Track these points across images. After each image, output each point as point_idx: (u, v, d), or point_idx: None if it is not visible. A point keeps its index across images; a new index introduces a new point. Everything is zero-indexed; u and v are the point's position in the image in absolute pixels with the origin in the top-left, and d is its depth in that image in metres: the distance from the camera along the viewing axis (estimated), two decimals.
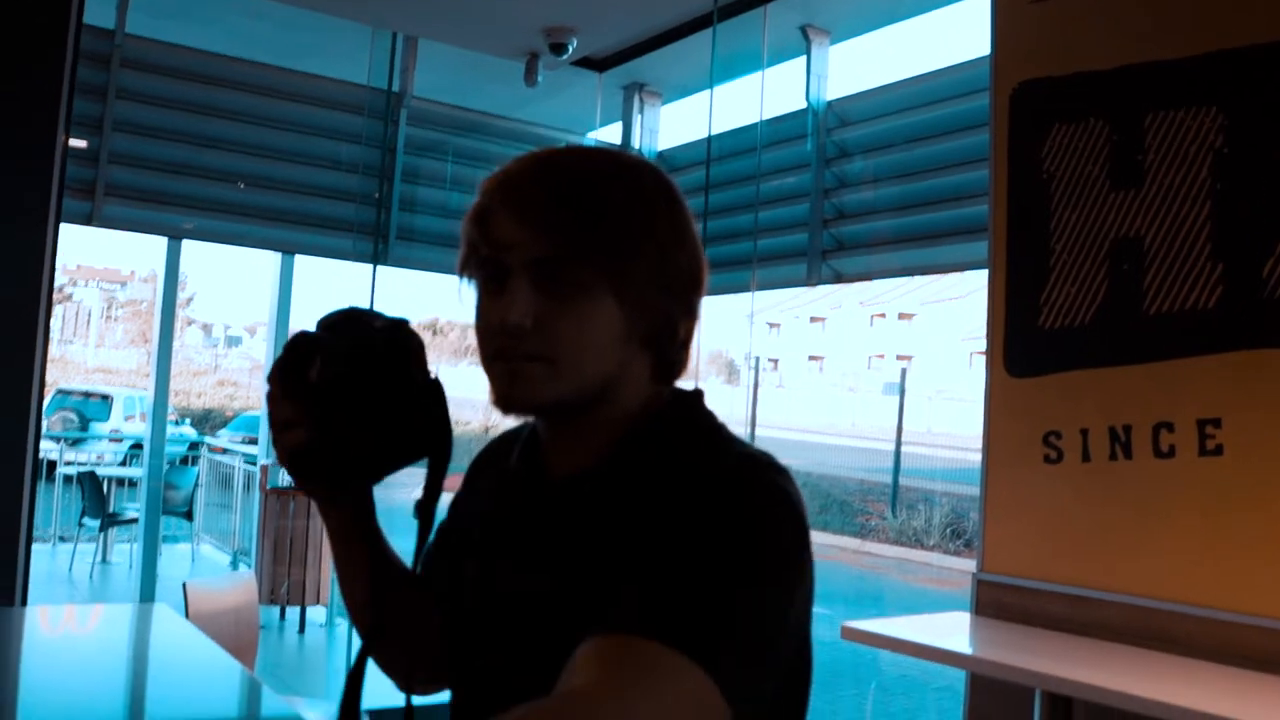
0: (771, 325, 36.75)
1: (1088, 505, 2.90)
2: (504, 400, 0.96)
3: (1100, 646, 2.71)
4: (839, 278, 4.74)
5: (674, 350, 1.01)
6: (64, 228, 3.95)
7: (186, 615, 3.33)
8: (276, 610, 6.86)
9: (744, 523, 0.88)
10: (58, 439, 12.24)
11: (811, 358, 36.36)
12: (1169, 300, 2.77)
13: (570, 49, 4.14)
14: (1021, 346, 3.10)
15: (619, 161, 0.99)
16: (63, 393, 16.30)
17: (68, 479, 9.09)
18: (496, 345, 0.95)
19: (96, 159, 4.65)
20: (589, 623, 0.82)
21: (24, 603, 4.07)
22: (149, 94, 4.77)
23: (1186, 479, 2.69)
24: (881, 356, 33.08)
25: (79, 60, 4.05)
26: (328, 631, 6.94)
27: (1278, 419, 2.54)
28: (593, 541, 0.95)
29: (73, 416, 14.96)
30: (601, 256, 0.93)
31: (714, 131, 5.35)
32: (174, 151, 4.86)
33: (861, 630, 2.75)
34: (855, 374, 32.69)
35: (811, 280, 4.76)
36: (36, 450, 3.99)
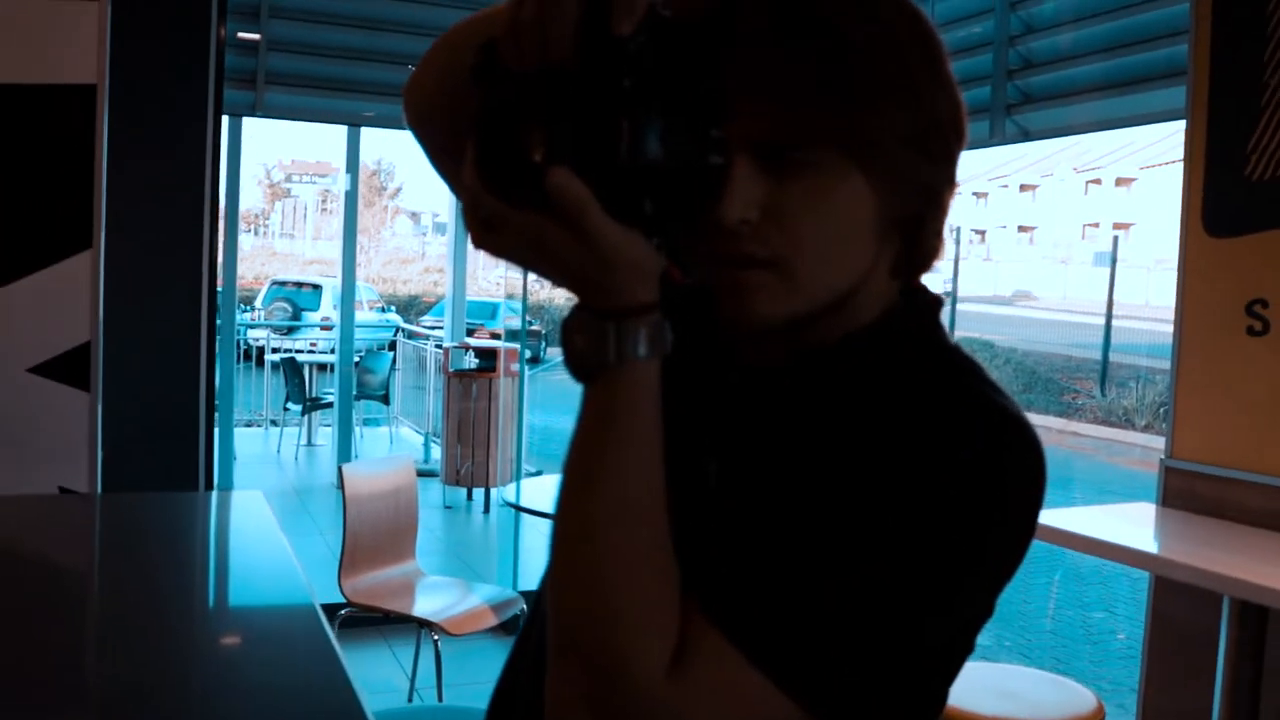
0: (978, 195, 35.18)
1: None
2: (726, 322, 0.73)
3: None
4: (1026, 135, 4.31)
5: (929, 236, 0.76)
6: (273, 125, 4.00)
7: (343, 496, 3.39)
8: (463, 492, 7.03)
9: (973, 501, 0.68)
10: (270, 328, 12.91)
11: (1021, 228, 34.69)
12: None
13: None
14: (1224, 201, 2.70)
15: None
16: (277, 284, 17.20)
17: (275, 366, 9.56)
18: (711, 247, 0.71)
19: (256, 49, 4.67)
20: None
21: (209, 487, 4.25)
22: None
23: None
24: (1096, 225, 31.20)
25: None
26: (510, 514, 7.09)
27: None
28: (790, 444, 0.73)
29: (286, 306, 15.76)
30: (841, 121, 0.69)
31: None
32: (341, 37, 4.83)
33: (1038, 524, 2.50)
34: (1068, 244, 31.00)
35: (995, 139, 4.35)
36: (212, 341, 4.10)
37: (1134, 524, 2.69)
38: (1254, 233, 2.63)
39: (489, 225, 0.62)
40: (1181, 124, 2.87)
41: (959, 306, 16.41)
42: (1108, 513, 2.81)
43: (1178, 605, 2.77)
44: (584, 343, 0.65)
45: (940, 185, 0.74)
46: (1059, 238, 32.04)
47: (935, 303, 0.80)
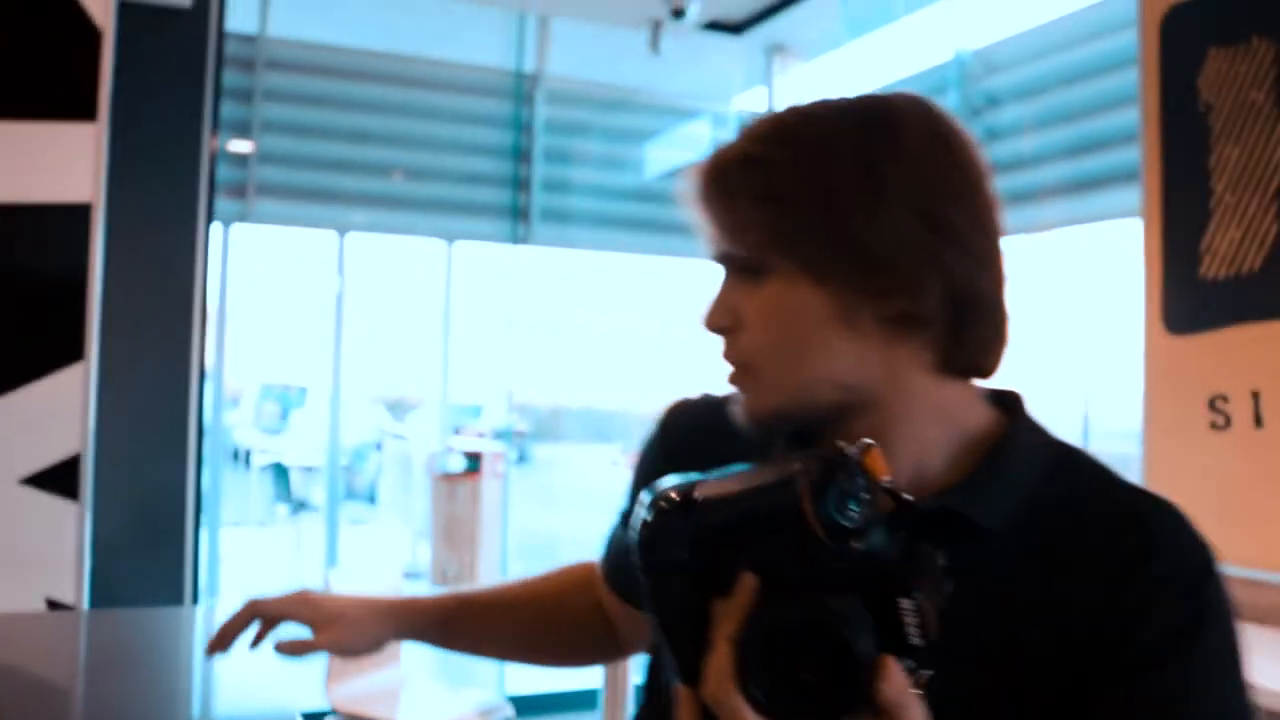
0: None
1: (1263, 477, 2.59)
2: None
3: (1276, 638, 2.42)
4: None
5: (969, 330, 0.76)
6: (263, 231, 4.15)
7: None
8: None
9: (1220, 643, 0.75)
10: (259, 432, 12.91)
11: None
12: None
13: (689, 11, 3.99)
14: (1181, 300, 2.80)
15: (795, 116, 0.79)
16: (267, 386, 17.21)
17: (263, 468, 9.57)
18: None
19: (246, 161, 4.81)
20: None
21: (196, 596, 4.26)
22: (293, 93, 4.90)
23: None
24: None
25: (225, 66, 4.21)
26: None
27: None
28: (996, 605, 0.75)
29: (274, 407, 15.76)
30: (771, 236, 0.76)
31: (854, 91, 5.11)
32: (324, 149, 4.98)
33: None
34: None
35: None
36: (200, 448, 4.16)
37: None
38: (1211, 330, 2.72)
39: None
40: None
41: None
42: None
43: None
44: None
45: (957, 281, 0.74)
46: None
47: (1016, 402, 0.82)
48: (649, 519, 0.66)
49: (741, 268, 0.78)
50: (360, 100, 5.03)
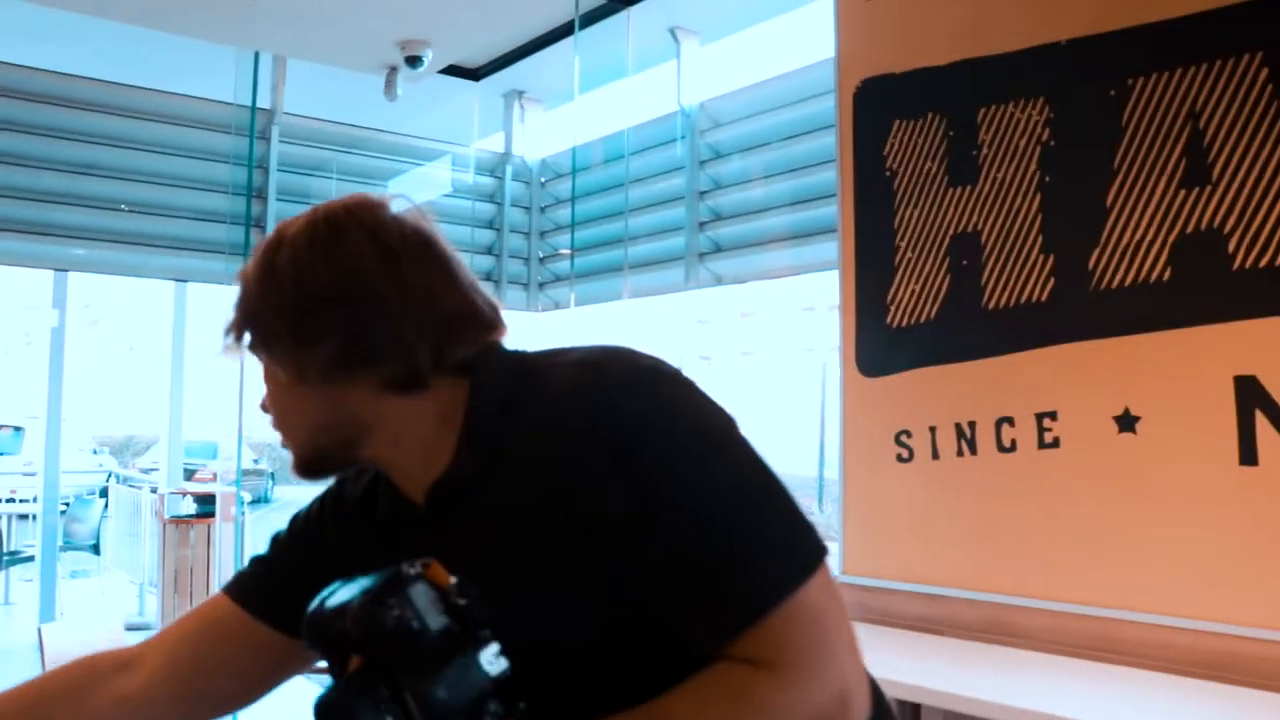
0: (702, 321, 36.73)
1: (939, 503, 2.91)
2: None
3: (952, 645, 2.72)
4: (718, 280, 4.73)
5: (372, 368, 0.97)
6: None
7: (42, 660, 3.23)
8: None
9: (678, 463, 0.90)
10: None
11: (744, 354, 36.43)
12: (1006, 295, 2.78)
13: (425, 61, 4.06)
14: (871, 346, 3.10)
15: (266, 241, 1.02)
16: None
17: None
18: None
19: None
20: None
21: None
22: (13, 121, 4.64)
23: (1028, 473, 2.71)
24: (812, 350, 33.22)
25: None
26: None
27: (1106, 409, 2.55)
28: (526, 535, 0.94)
29: None
30: (252, 340, 1.01)
31: (595, 136, 5.33)
32: (43, 180, 4.73)
33: None
34: (786, 366, 32.76)
35: (690, 283, 4.74)
36: None
37: None
38: (896, 373, 3.03)
39: None
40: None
41: None
42: None
43: None
44: None
45: (380, 332, 0.95)
46: (778, 359, 33.85)
47: (475, 362, 0.99)
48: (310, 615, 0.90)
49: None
50: (84, 130, 4.81)
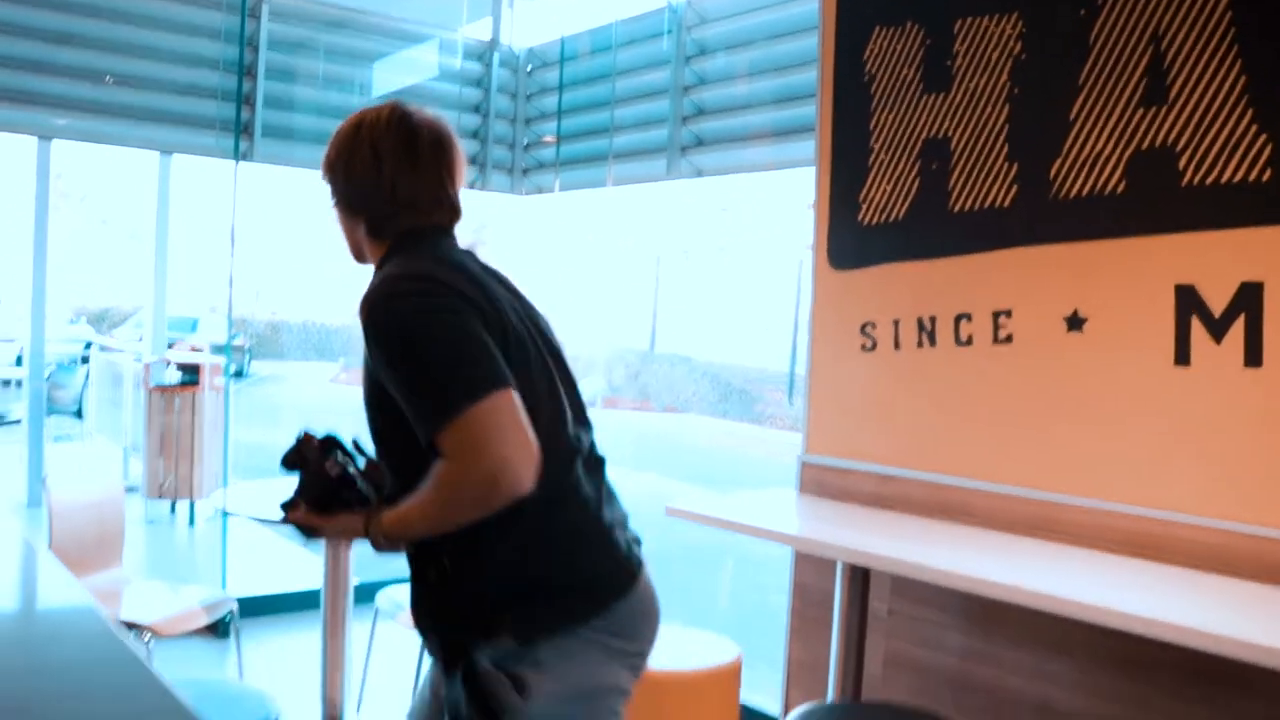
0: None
1: (897, 391, 3.12)
2: None
3: (903, 520, 2.95)
4: (699, 173, 4.86)
5: (365, 223, 1.80)
6: None
7: (50, 513, 3.43)
8: (167, 504, 6.92)
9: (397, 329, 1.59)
10: None
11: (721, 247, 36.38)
12: (971, 198, 2.95)
13: None
14: (842, 241, 3.27)
15: (345, 121, 1.84)
16: None
17: None
18: None
19: None
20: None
21: None
22: None
23: (982, 366, 2.91)
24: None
25: None
26: (220, 525, 7.03)
27: (1057, 310, 2.75)
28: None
29: None
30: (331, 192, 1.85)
31: (583, 28, 5.40)
32: (25, 48, 4.76)
33: (685, 510, 2.93)
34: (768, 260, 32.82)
35: (672, 174, 4.88)
36: None
37: (773, 507, 3.18)
38: (864, 267, 3.22)
39: (313, 529, 1.73)
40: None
41: (659, 323, 17.26)
42: (751, 498, 3.27)
43: (809, 573, 3.33)
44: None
45: (355, 202, 1.80)
46: (756, 256, 33.89)
47: (400, 238, 1.77)
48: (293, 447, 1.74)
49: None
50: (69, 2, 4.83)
